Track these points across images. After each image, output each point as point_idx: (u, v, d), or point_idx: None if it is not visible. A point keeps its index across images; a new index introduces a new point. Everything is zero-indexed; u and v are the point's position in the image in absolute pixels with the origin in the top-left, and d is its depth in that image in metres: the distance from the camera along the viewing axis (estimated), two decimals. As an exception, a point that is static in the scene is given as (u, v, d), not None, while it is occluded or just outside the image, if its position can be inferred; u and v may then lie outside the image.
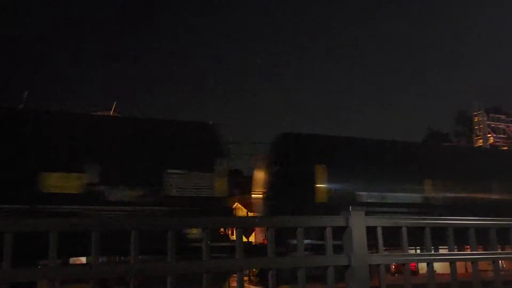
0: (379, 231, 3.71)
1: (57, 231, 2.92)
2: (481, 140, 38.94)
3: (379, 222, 3.72)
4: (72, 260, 12.49)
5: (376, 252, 3.71)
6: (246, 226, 3.41)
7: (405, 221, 3.83)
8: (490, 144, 38.99)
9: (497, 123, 39.96)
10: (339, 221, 3.61)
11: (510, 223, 4.28)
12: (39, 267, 2.89)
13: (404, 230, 3.79)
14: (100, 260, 3.06)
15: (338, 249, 3.60)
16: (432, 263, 3.90)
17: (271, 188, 14.53)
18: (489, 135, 39.30)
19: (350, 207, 3.61)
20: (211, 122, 14.11)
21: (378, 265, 3.71)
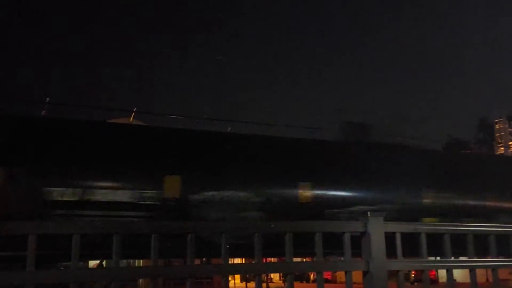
0: (398, 237, 3.70)
1: (79, 234, 2.98)
2: (502, 148, 38.40)
3: (398, 228, 3.71)
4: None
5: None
6: (262, 231, 3.43)
7: (424, 227, 3.81)
8: (512, 151, 38.38)
9: (519, 131, 39.36)
10: (357, 226, 3.61)
11: None
12: (62, 269, 2.94)
13: (423, 236, 3.77)
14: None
15: None
16: (451, 270, 3.87)
17: None
18: (510, 143, 38.71)
19: (369, 212, 3.61)
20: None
21: (397, 271, 3.69)
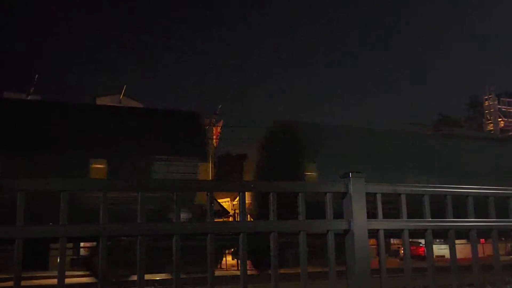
0: (379, 198, 3.82)
1: (68, 191, 3.05)
2: (491, 124, 38.72)
3: (378, 188, 3.82)
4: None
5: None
6: (246, 191, 3.53)
7: (404, 188, 3.93)
8: (500, 128, 38.74)
9: (508, 107, 39.67)
10: (339, 186, 3.72)
11: (510, 192, 4.36)
12: (51, 224, 3.02)
13: (403, 197, 3.89)
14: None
15: None
16: (430, 230, 4.00)
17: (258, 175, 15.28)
18: (499, 119, 39.04)
19: (350, 173, 3.71)
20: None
21: (377, 230, 3.82)
